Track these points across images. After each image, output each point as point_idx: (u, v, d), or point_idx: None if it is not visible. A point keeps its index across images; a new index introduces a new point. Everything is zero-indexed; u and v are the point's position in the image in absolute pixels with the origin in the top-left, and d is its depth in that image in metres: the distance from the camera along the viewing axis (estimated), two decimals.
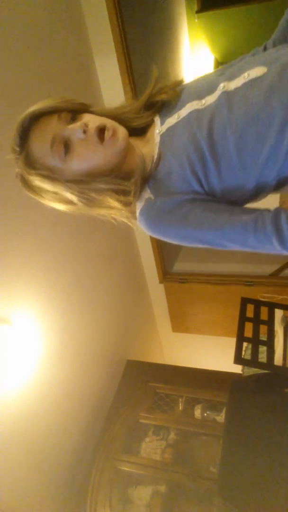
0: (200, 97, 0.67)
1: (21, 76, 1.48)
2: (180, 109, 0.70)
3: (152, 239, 2.80)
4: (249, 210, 0.65)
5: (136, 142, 0.76)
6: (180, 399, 2.39)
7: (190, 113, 0.67)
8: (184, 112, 0.69)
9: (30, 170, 0.68)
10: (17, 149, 0.69)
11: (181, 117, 0.69)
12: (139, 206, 0.71)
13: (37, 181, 0.68)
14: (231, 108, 0.61)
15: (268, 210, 0.64)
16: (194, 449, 2.16)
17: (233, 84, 0.64)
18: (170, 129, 0.70)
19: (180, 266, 3.21)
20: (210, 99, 0.66)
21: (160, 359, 3.82)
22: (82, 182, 0.68)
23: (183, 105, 0.70)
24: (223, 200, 0.67)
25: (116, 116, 0.74)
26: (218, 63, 4.43)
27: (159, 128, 0.73)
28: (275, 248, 0.63)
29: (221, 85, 0.65)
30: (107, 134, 0.66)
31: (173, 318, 3.48)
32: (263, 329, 1.84)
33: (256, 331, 1.83)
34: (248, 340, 1.81)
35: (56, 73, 1.72)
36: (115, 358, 2.61)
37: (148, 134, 0.77)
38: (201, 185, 0.66)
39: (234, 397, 1.81)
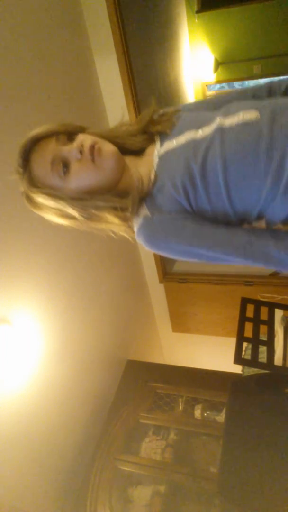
0: (198, 127, 0.74)
1: (21, 76, 1.48)
2: (179, 135, 0.76)
3: None
4: (238, 232, 0.71)
5: (133, 161, 0.81)
6: (180, 399, 2.39)
7: (188, 142, 0.73)
8: (182, 139, 0.75)
9: (33, 189, 0.74)
10: (21, 170, 0.75)
11: (180, 143, 0.74)
12: (136, 222, 0.76)
13: (40, 199, 0.75)
14: (223, 144, 0.67)
15: (256, 237, 0.69)
16: (194, 449, 2.16)
17: (228, 121, 0.70)
18: (168, 153, 0.76)
19: (180, 266, 3.21)
20: (206, 130, 0.72)
21: (160, 359, 3.82)
22: (82, 200, 0.74)
23: (182, 132, 0.76)
24: (212, 218, 0.73)
25: (111, 139, 0.78)
26: (218, 63, 4.42)
27: (158, 149, 0.79)
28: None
29: (218, 119, 0.71)
30: (95, 153, 0.71)
31: (173, 318, 3.48)
32: (263, 329, 1.84)
33: (256, 331, 1.83)
34: (248, 340, 1.81)
35: (56, 73, 1.71)
36: (115, 358, 2.60)
37: (147, 154, 0.82)
38: (191, 206, 0.72)
39: (234, 397, 1.81)
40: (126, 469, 2.06)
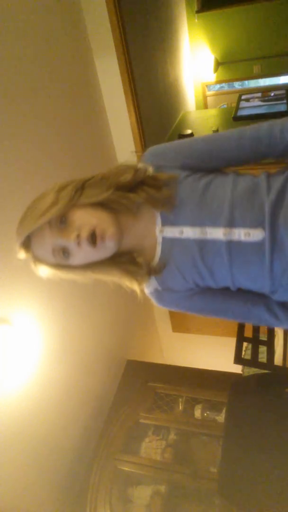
0: (202, 224, 0.73)
1: (21, 75, 1.48)
2: (183, 225, 0.75)
3: None
4: (238, 303, 0.82)
5: (130, 221, 0.79)
6: (180, 399, 2.39)
7: (194, 240, 0.74)
8: (186, 233, 0.75)
9: (40, 264, 0.78)
10: (24, 256, 0.79)
11: (184, 237, 0.75)
12: (147, 288, 0.83)
13: (46, 270, 0.79)
14: (232, 261, 0.72)
15: (252, 305, 0.80)
16: (194, 449, 2.17)
17: (236, 236, 0.71)
18: (174, 242, 0.77)
19: None
20: (212, 233, 0.73)
21: (160, 359, 3.82)
22: (86, 272, 0.79)
23: (186, 223, 0.75)
24: (215, 288, 0.82)
25: (105, 203, 0.75)
26: (218, 63, 4.42)
27: (159, 227, 0.78)
28: None
29: (224, 229, 0.72)
30: (97, 240, 0.71)
31: (173, 318, 3.48)
32: (263, 329, 1.84)
33: (256, 331, 1.83)
34: (248, 340, 1.81)
35: (57, 73, 1.71)
36: (115, 358, 2.60)
37: (144, 216, 0.79)
38: (199, 287, 0.81)
39: (234, 397, 1.81)
40: (126, 469, 2.06)
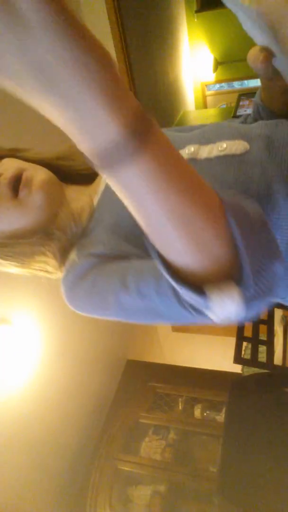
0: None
1: None
2: None
3: None
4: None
5: (79, 191, 0.62)
6: (180, 399, 2.39)
7: None
8: None
9: None
10: None
11: None
12: (64, 271, 0.59)
13: None
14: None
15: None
16: (194, 449, 2.17)
17: (205, 152, 0.52)
18: None
19: None
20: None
21: (160, 358, 3.82)
22: (5, 246, 0.58)
23: None
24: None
25: (51, 163, 0.62)
26: (217, 63, 4.42)
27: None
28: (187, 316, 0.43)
29: (190, 147, 0.53)
30: (21, 186, 0.54)
31: None
32: (263, 328, 1.84)
33: (255, 331, 1.83)
34: (247, 339, 1.81)
35: None
36: (115, 357, 2.60)
37: (97, 182, 0.63)
38: (135, 247, 0.52)
39: (234, 397, 1.81)
40: (126, 469, 2.06)
